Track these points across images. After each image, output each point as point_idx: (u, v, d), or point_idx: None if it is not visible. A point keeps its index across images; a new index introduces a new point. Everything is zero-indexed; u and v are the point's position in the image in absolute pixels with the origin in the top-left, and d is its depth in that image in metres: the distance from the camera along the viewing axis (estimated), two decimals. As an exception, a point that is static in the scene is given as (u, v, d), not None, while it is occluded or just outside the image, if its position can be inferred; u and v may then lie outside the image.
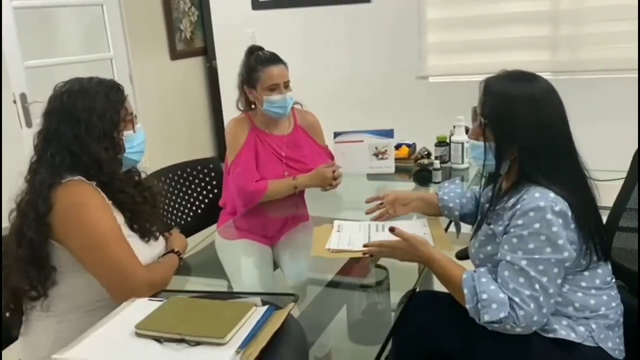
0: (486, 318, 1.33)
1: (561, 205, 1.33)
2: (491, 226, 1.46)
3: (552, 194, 1.34)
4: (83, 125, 1.46)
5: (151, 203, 1.65)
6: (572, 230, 1.35)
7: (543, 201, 1.33)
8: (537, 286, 1.32)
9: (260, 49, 2.29)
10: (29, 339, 1.52)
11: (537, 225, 1.32)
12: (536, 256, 1.32)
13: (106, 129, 1.49)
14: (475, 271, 1.42)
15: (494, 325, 1.34)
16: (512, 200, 1.40)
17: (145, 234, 1.56)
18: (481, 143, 1.47)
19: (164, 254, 1.64)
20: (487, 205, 1.54)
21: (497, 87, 1.45)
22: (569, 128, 1.43)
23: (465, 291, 1.38)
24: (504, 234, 1.40)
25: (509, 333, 1.35)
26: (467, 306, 1.37)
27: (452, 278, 1.44)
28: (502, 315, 1.32)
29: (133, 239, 1.51)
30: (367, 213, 1.94)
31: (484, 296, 1.34)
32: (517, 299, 1.32)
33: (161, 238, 1.66)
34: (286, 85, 2.23)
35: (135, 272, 1.44)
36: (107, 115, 1.49)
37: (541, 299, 1.32)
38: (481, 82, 1.49)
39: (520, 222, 1.34)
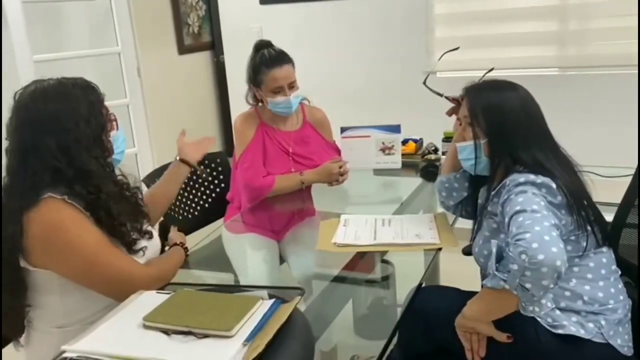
0: (540, 257, 1.22)
1: (542, 179, 1.40)
2: (496, 219, 1.48)
3: (532, 175, 1.42)
4: (72, 134, 1.34)
5: (134, 201, 1.54)
6: (559, 200, 1.39)
7: (524, 178, 1.42)
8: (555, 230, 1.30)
9: (268, 45, 2.26)
10: (32, 350, 1.47)
11: (529, 193, 1.38)
12: (542, 203, 1.36)
13: (95, 134, 1.39)
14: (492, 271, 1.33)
15: (540, 268, 1.22)
16: (502, 191, 1.46)
17: (133, 243, 1.45)
18: (469, 143, 1.57)
19: (170, 246, 1.62)
20: (485, 204, 1.57)
21: (486, 97, 1.57)
22: (547, 126, 1.55)
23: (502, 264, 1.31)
24: (504, 219, 1.41)
25: (535, 280, 1.25)
26: (515, 266, 1.25)
27: (496, 294, 1.33)
28: (553, 250, 1.23)
29: (122, 250, 1.43)
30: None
31: (534, 245, 1.24)
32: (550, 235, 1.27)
33: (155, 234, 1.60)
34: (291, 86, 2.20)
35: (134, 272, 1.41)
36: (92, 119, 1.38)
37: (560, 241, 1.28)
38: (464, 90, 1.62)
39: (513, 197, 1.39)
